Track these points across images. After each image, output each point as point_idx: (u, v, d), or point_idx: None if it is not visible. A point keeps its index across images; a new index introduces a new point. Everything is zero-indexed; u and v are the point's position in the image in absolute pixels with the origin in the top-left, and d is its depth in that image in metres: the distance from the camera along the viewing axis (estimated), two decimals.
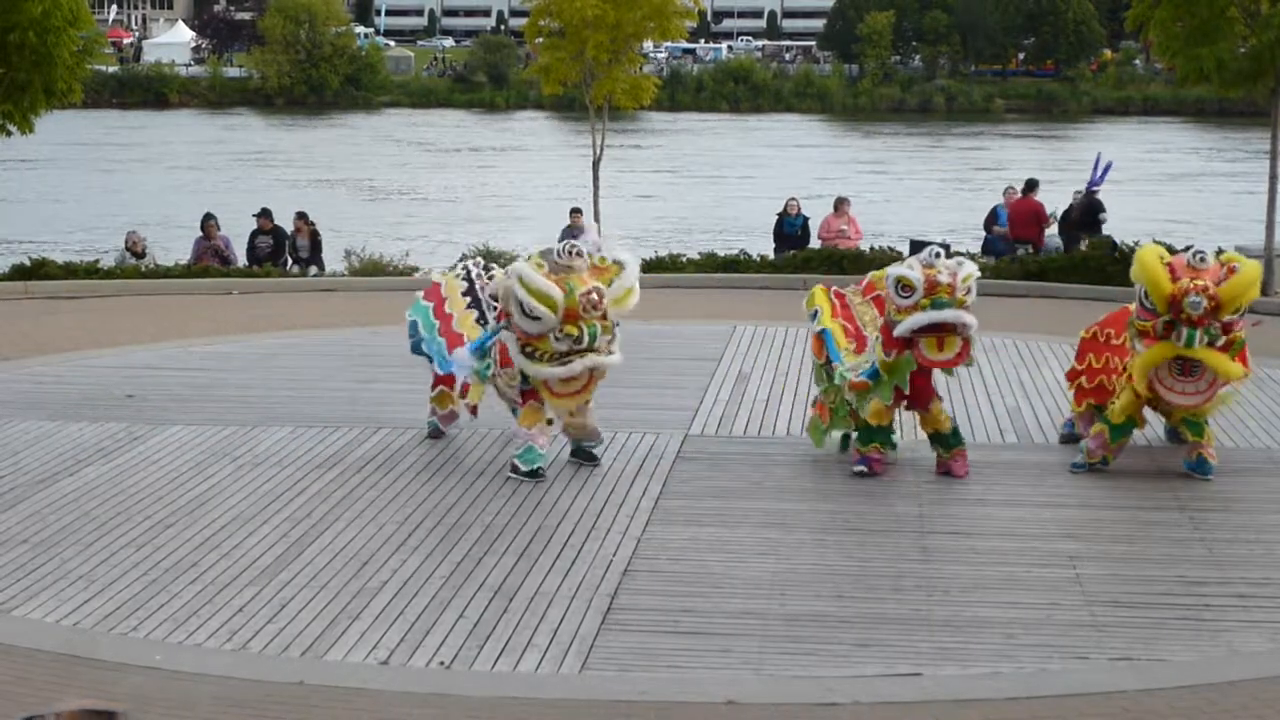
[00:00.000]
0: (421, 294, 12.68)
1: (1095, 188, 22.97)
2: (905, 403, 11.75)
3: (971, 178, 53.85)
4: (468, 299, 12.38)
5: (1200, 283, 11.10)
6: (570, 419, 11.75)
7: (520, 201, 45.81)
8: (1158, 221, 26.27)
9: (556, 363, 11.22)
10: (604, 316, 11.26)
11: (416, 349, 12.73)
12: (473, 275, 12.54)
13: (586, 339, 11.17)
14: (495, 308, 11.98)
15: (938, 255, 11.43)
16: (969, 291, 11.28)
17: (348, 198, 47.16)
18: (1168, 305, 11.17)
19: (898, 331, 11.30)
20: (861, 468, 11.65)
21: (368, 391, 14.25)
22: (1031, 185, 23.53)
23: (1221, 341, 11.25)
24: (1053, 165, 47.52)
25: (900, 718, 7.61)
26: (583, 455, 11.95)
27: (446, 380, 12.52)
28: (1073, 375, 12.55)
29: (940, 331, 11.24)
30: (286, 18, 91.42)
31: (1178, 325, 11.16)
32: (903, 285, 11.23)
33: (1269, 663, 8.23)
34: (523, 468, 11.50)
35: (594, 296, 11.14)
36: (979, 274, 11.58)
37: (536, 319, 11.11)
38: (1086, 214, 22.93)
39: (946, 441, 11.75)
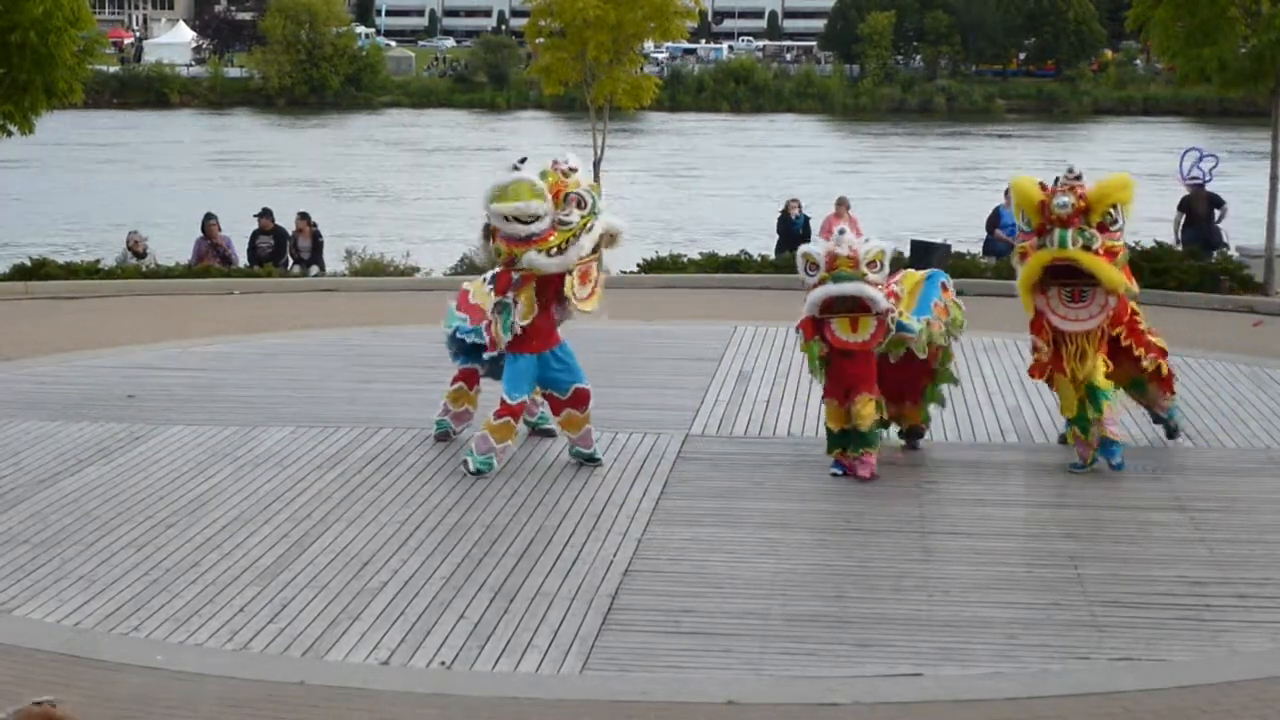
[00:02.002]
0: (454, 303, 12.38)
1: (1193, 180, 22.74)
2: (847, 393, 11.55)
3: (971, 178, 53.86)
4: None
5: (1067, 185, 11.20)
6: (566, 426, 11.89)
7: None
8: (1158, 221, 26.23)
9: (580, 234, 11.34)
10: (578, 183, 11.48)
11: (461, 348, 12.40)
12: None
13: (590, 202, 11.38)
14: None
15: (842, 233, 11.30)
16: (877, 267, 11.11)
17: (317, 198, 46.76)
18: (1038, 212, 11.21)
19: (805, 310, 11.24)
20: (836, 470, 11.61)
21: (368, 392, 14.25)
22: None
23: (1098, 245, 11.16)
24: (1048, 165, 47.47)
25: (901, 718, 7.61)
26: (582, 457, 11.96)
27: (467, 376, 12.46)
28: None
29: (852, 311, 11.09)
30: (287, 18, 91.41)
31: (1049, 229, 11.18)
32: (809, 263, 11.22)
33: (1270, 663, 8.23)
34: (473, 466, 11.58)
35: (561, 166, 11.43)
36: (890, 251, 11.45)
37: (537, 215, 11.23)
38: (1210, 207, 22.60)
39: (853, 440, 11.44)
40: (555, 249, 11.31)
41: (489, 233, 11.71)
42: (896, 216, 37.51)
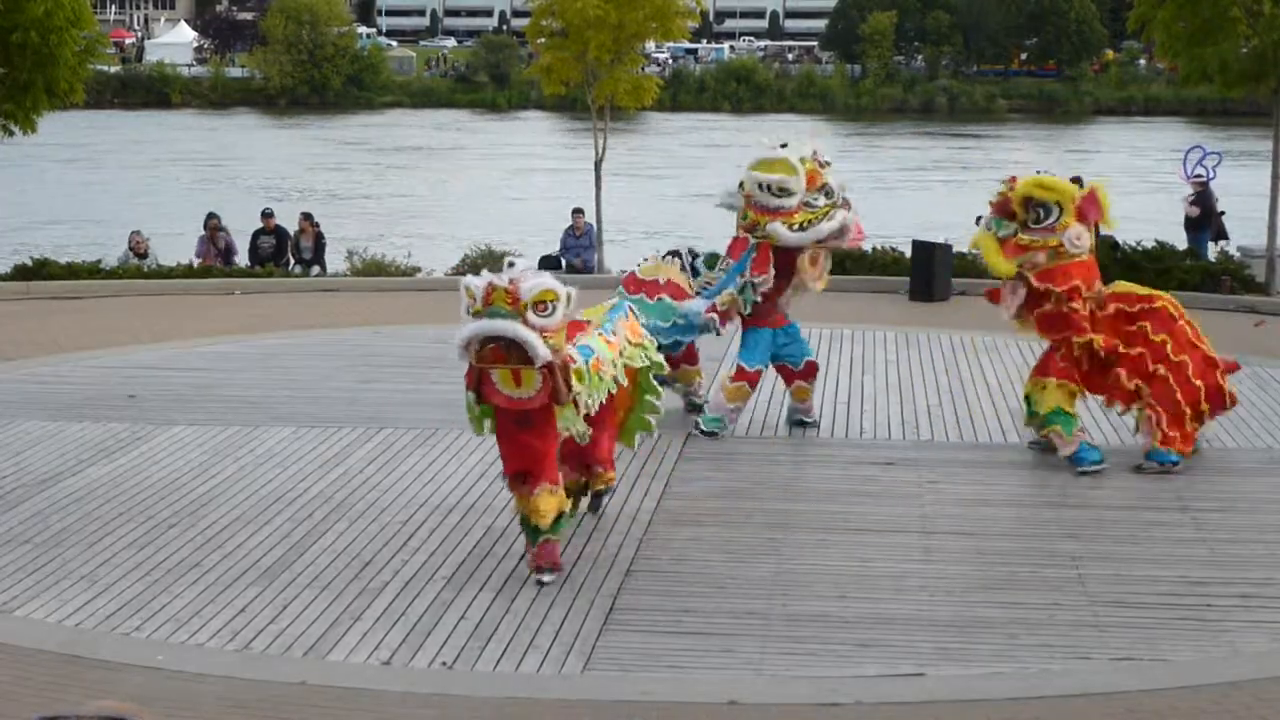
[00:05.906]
0: (639, 296, 12.31)
1: (1197, 178, 22.71)
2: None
3: (967, 178, 53.81)
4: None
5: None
6: None
7: (511, 203, 45.76)
8: (1161, 221, 26.21)
9: (821, 220, 12.45)
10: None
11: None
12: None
13: (836, 194, 12.60)
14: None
15: (511, 264, 9.65)
16: (545, 309, 8.94)
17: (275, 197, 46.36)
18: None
19: (456, 351, 9.28)
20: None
21: (369, 392, 14.24)
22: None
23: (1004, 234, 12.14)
24: (1018, 166, 47.31)
25: (903, 718, 7.61)
26: (802, 421, 13.23)
27: (674, 362, 12.63)
28: None
29: (510, 360, 9.00)
30: (288, 18, 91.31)
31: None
32: (468, 296, 9.13)
33: (1271, 663, 8.23)
34: (704, 427, 12.71)
35: (821, 157, 12.58)
36: (568, 294, 9.14)
37: (789, 190, 12.30)
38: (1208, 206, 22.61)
39: (529, 531, 9.53)
40: (798, 226, 12.32)
41: (743, 197, 12.56)
42: (897, 216, 37.51)
